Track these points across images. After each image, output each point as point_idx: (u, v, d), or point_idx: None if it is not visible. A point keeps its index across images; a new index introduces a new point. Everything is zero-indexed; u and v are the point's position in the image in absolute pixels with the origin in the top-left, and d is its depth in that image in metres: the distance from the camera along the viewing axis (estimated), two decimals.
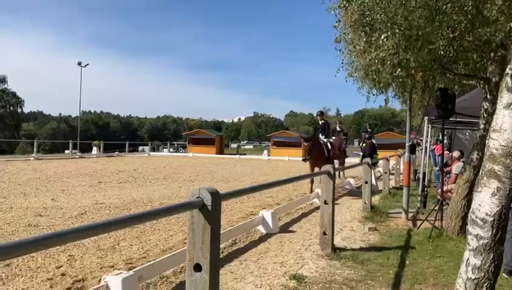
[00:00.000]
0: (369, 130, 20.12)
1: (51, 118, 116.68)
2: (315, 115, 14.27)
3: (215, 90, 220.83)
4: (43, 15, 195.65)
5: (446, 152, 12.68)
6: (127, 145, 40.50)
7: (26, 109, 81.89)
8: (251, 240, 6.75)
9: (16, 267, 4.82)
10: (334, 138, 14.17)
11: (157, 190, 12.34)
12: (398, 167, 17.14)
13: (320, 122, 13.39)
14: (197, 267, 2.71)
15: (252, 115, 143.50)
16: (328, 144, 12.48)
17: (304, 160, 11.72)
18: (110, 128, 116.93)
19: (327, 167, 6.24)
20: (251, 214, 8.47)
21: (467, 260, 3.16)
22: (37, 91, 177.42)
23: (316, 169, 11.66)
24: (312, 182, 11.67)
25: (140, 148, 51.37)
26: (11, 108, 62.64)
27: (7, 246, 1.76)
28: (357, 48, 6.73)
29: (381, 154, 18.48)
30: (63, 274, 4.68)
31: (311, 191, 11.19)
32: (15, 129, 62.89)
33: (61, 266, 4.96)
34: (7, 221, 7.31)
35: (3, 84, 60.89)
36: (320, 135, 12.84)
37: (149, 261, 4.96)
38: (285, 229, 7.66)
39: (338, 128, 18.59)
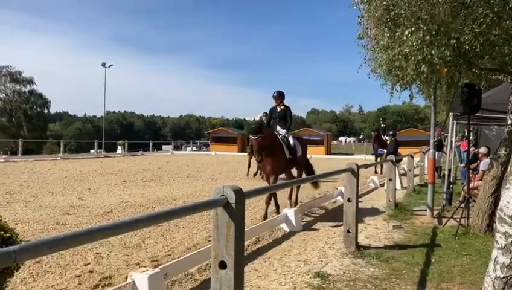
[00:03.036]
0: (382, 125, 19.77)
1: (76, 119, 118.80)
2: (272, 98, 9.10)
3: (237, 88, 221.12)
4: (67, 17, 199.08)
5: (472, 148, 12.44)
6: (151, 144, 41.06)
7: (52, 109, 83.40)
8: (274, 238, 6.77)
9: (45, 264, 4.96)
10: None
11: (181, 188, 12.46)
12: (422, 164, 16.91)
13: (279, 109, 8.99)
14: (222, 265, 2.74)
15: None
16: (291, 140, 8.78)
17: (258, 161, 8.56)
18: (134, 128, 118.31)
19: (351, 165, 6.16)
20: (274, 212, 8.47)
21: (495, 258, 3.11)
22: (62, 92, 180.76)
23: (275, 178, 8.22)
24: (269, 203, 8.06)
25: (164, 147, 51.91)
26: (38, 109, 63.99)
27: (38, 243, 1.81)
28: (380, 44, 6.67)
29: (404, 151, 18.20)
30: (90, 271, 4.79)
31: (278, 210, 8.20)
32: (42, 130, 64.15)
33: (89, 264, 5.08)
34: (36, 219, 7.51)
35: (31, 85, 62.19)
36: (278, 126, 8.93)
37: (174, 259, 5.03)
38: (308, 227, 7.65)
39: None
